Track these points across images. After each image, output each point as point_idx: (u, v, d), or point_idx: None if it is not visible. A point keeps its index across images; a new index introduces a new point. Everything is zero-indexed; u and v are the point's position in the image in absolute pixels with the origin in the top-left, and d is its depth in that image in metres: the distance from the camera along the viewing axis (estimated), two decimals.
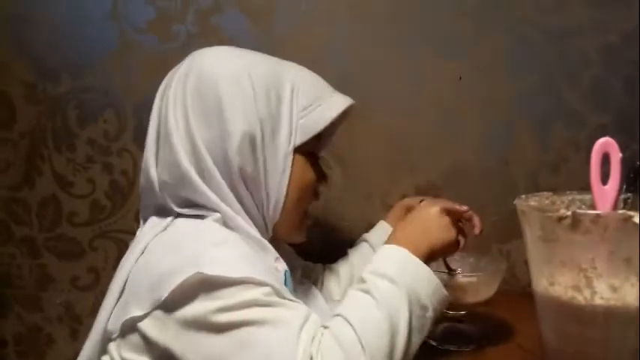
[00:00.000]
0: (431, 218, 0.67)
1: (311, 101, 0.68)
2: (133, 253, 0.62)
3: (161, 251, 0.60)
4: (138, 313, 0.55)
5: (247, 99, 0.63)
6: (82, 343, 0.63)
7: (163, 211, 0.65)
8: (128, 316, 0.56)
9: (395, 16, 0.99)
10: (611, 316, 0.39)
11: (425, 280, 0.60)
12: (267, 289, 0.55)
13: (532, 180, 1.01)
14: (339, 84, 0.97)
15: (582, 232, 0.38)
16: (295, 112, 0.66)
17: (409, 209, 0.80)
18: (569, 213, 0.38)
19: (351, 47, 0.99)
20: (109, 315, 0.60)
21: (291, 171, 0.66)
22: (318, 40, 0.99)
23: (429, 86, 1.00)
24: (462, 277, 0.73)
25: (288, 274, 0.65)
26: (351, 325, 0.55)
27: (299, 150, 0.67)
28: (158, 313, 0.55)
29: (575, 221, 0.38)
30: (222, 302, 0.53)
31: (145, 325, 0.55)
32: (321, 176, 0.73)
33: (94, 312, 0.63)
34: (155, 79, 0.70)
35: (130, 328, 0.57)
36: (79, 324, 1.06)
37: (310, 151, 0.70)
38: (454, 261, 0.78)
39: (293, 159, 0.66)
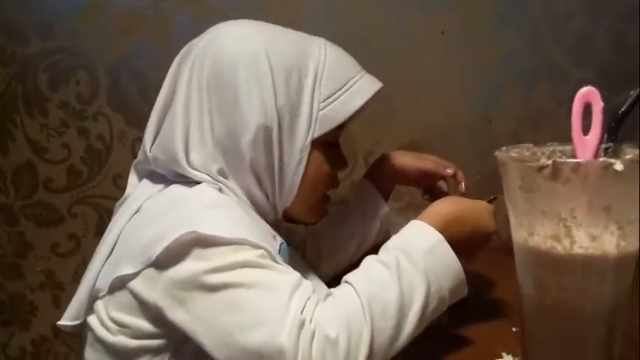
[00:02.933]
0: (485, 239, 0.63)
1: (335, 89, 0.62)
2: (126, 212, 0.60)
3: (155, 211, 0.58)
4: (129, 271, 0.54)
5: (266, 87, 0.59)
6: (65, 309, 0.62)
7: (158, 176, 0.63)
8: (118, 274, 0.55)
9: None
10: (589, 264, 0.39)
11: (451, 273, 0.56)
12: (260, 252, 0.53)
13: (514, 137, 1.01)
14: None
15: (562, 181, 0.38)
16: (316, 101, 0.61)
17: (388, 165, 0.78)
18: (549, 162, 0.38)
19: (330, 7, 0.96)
20: (97, 273, 0.59)
21: (307, 163, 0.62)
22: (297, 5, 0.96)
23: (411, 42, 0.98)
24: None
25: (284, 246, 0.63)
26: (358, 296, 0.52)
27: (317, 141, 0.62)
28: (149, 271, 0.53)
29: (556, 170, 0.38)
30: (214, 262, 0.52)
31: (136, 284, 0.54)
32: (341, 164, 0.69)
33: (76, 279, 0.63)
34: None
35: (119, 286, 0.56)
36: (61, 291, 1.06)
37: (330, 140, 0.65)
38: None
39: (310, 151, 0.62)
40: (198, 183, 0.60)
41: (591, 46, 0.98)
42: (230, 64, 0.60)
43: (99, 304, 0.58)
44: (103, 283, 0.57)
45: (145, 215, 0.59)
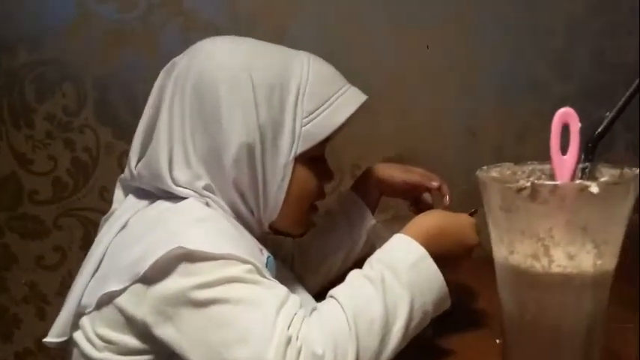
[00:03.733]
0: (467, 252, 0.63)
1: (317, 105, 0.62)
2: (113, 227, 0.60)
3: (142, 226, 0.58)
4: (116, 287, 0.54)
5: (247, 105, 0.59)
6: (50, 322, 0.62)
7: (144, 193, 0.63)
8: (106, 291, 0.55)
9: None
10: (567, 282, 0.40)
11: (434, 287, 0.57)
12: (248, 267, 0.53)
13: (499, 150, 1.02)
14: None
15: (541, 202, 0.39)
16: (299, 118, 0.61)
17: (374, 177, 0.79)
18: (528, 184, 0.39)
19: (316, 21, 0.97)
20: (83, 289, 0.59)
21: (292, 178, 0.62)
22: (288, 9, 0.97)
23: (397, 56, 0.99)
24: None
25: (270, 259, 0.63)
26: (343, 311, 0.52)
27: (301, 156, 0.62)
28: (137, 287, 0.53)
29: (534, 192, 0.39)
30: (201, 278, 0.52)
31: (123, 300, 0.54)
32: (327, 177, 0.69)
33: (61, 291, 0.63)
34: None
35: (106, 302, 0.55)
36: (45, 303, 1.05)
37: (315, 155, 0.65)
38: None
39: (295, 166, 0.62)
40: (184, 198, 0.60)
41: (573, 61, 1.00)
42: (212, 83, 0.60)
43: (85, 320, 0.57)
44: (90, 299, 0.57)
45: (132, 231, 0.59)
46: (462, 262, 0.65)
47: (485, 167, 0.45)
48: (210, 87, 0.60)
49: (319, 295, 0.63)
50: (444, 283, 0.57)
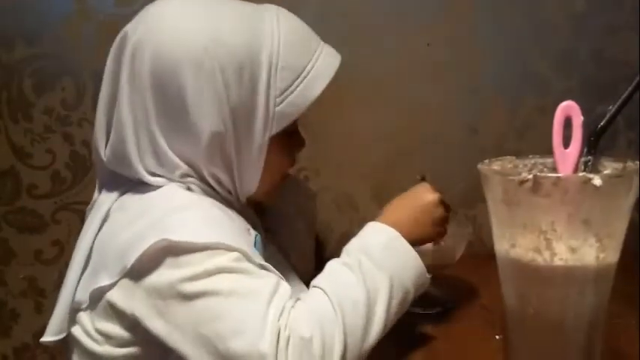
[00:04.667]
0: (429, 209, 0.65)
1: (291, 80, 0.58)
2: (95, 219, 0.60)
3: (125, 217, 0.57)
4: (106, 282, 0.54)
5: (215, 89, 0.55)
6: (48, 317, 0.62)
7: (120, 178, 0.61)
8: (97, 285, 0.55)
9: None
10: (569, 276, 0.40)
11: (410, 264, 0.59)
12: (236, 255, 0.53)
13: (500, 147, 1.02)
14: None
15: (543, 194, 0.39)
16: (272, 98, 0.57)
17: None
18: (530, 176, 0.39)
19: (318, 18, 0.96)
20: (75, 285, 0.58)
21: (267, 155, 0.60)
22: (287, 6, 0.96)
23: (397, 53, 0.99)
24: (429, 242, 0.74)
25: (258, 237, 0.62)
26: (328, 297, 0.54)
27: (277, 134, 0.60)
28: (125, 281, 0.53)
29: (536, 184, 0.39)
30: (188, 270, 0.51)
31: (113, 294, 0.54)
32: (299, 144, 0.68)
33: (59, 285, 0.62)
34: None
35: (99, 297, 0.55)
36: (43, 297, 1.04)
37: (288, 129, 0.62)
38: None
39: (269, 145, 0.60)
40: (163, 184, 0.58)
41: (574, 58, 1.00)
42: (173, 66, 0.55)
43: (82, 316, 0.57)
44: (83, 295, 0.57)
45: (115, 222, 0.58)
46: (432, 220, 0.65)
47: (486, 160, 0.45)
48: (171, 69, 0.55)
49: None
50: (419, 259, 0.60)
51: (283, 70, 0.58)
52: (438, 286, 0.80)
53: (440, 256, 0.74)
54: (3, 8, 0.97)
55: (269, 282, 0.53)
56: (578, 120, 0.42)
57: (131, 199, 0.59)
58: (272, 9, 0.61)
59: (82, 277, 0.58)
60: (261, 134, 0.59)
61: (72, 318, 0.59)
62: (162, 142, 0.58)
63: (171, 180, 0.59)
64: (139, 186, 0.60)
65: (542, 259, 0.40)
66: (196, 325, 0.51)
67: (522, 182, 0.39)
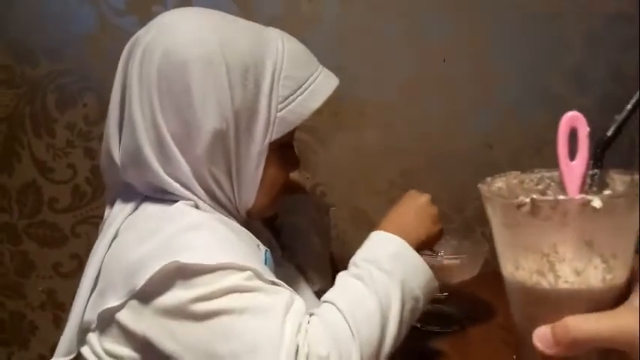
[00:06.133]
0: (422, 209, 0.65)
1: (293, 89, 0.60)
2: (105, 238, 0.59)
3: (134, 237, 0.57)
4: (114, 303, 0.53)
5: (221, 88, 0.56)
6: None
7: (130, 192, 0.61)
8: (105, 307, 0.54)
9: (379, 1, 0.98)
10: (575, 298, 0.38)
11: (419, 271, 0.59)
12: (247, 274, 0.52)
13: (515, 162, 1.01)
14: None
15: (542, 218, 0.37)
16: (274, 103, 0.59)
17: None
18: (527, 200, 0.37)
19: (334, 33, 0.98)
20: (84, 304, 0.58)
21: (265, 166, 0.61)
22: (303, 25, 0.97)
23: (413, 70, 0.99)
24: (445, 260, 0.74)
25: (268, 253, 0.62)
26: (341, 312, 0.54)
27: (274, 143, 0.61)
28: (134, 302, 0.53)
29: (535, 207, 0.37)
30: (200, 291, 0.51)
31: (122, 316, 0.53)
32: (294, 164, 0.68)
33: None
34: None
35: (108, 318, 0.55)
36: (62, 311, 1.06)
37: (285, 141, 0.64)
38: (438, 244, 0.79)
39: (267, 156, 0.61)
40: (171, 198, 0.58)
41: (590, 74, 1.00)
42: (182, 64, 0.56)
43: (91, 337, 0.57)
44: (92, 316, 0.56)
45: (124, 241, 0.58)
46: (436, 232, 0.66)
47: (489, 179, 0.44)
48: (180, 69, 0.56)
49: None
50: (426, 265, 0.60)
51: (286, 78, 0.60)
52: (454, 305, 0.80)
53: (457, 274, 0.74)
54: (27, 25, 0.99)
55: (282, 298, 0.53)
56: (583, 131, 0.41)
57: (140, 218, 0.59)
58: (276, 30, 0.64)
59: (91, 297, 0.58)
60: (261, 138, 0.60)
61: (81, 338, 0.58)
62: (168, 139, 0.57)
63: (182, 185, 0.58)
64: (148, 203, 0.60)
65: (546, 282, 0.38)
66: (210, 344, 0.50)
67: (520, 206, 0.37)
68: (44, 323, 1.07)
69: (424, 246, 0.64)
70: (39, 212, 1.04)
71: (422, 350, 0.72)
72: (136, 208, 0.60)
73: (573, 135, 0.42)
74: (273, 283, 0.55)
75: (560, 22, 0.99)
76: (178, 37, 0.58)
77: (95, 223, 1.03)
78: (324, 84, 0.63)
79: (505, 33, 0.99)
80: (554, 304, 0.39)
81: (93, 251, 0.61)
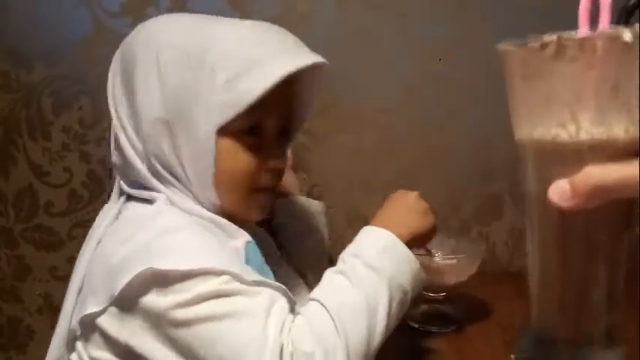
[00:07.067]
0: (412, 204, 0.65)
1: (238, 70, 0.54)
2: (90, 242, 0.59)
3: (114, 241, 0.56)
4: (94, 309, 0.52)
5: (160, 75, 0.55)
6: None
7: (116, 191, 0.63)
8: (85, 312, 0.53)
9: (375, 2, 0.98)
10: (596, 150, 0.36)
11: (407, 264, 0.58)
12: (225, 278, 0.51)
13: (512, 162, 1.01)
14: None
15: (567, 60, 0.35)
16: (216, 86, 0.54)
17: None
18: (553, 38, 0.35)
19: (333, 32, 0.98)
20: (72, 310, 0.57)
21: (220, 154, 0.56)
22: (298, 25, 0.98)
23: (409, 70, 0.99)
24: (442, 260, 0.74)
25: (252, 245, 0.59)
26: (325, 309, 0.53)
27: (226, 130, 0.56)
28: (114, 309, 0.52)
29: (560, 48, 0.35)
30: (178, 297, 0.49)
31: (104, 322, 0.52)
32: (268, 154, 0.61)
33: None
34: None
35: (90, 324, 0.53)
36: (59, 315, 1.05)
37: (246, 128, 0.58)
38: (435, 243, 0.79)
39: (220, 142, 0.56)
40: (149, 195, 0.58)
41: None
42: (130, 54, 0.58)
43: (78, 344, 0.56)
44: (76, 322, 0.55)
45: (105, 246, 0.57)
46: (428, 227, 0.65)
47: (504, 42, 0.42)
48: (129, 59, 0.58)
49: None
50: (414, 257, 0.59)
51: (232, 60, 0.55)
52: (452, 304, 0.80)
53: (454, 274, 0.74)
54: (22, 30, 0.99)
55: (264, 298, 0.52)
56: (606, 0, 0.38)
57: (121, 222, 0.59)
58: (240, 22, 0.60)
59: (77, 303, 0.57)
60: (204, 124, 0.55)
61: (70, 345, 0.57)
62: (128, 127, 0.59)
63: (158, 180, 0.58)
64: (130, 205, 0.60)
65: (566, 133, 0.36)
66: (194, 351, 0.49)
67: (544, 46, 0.36)
68: (41, 327, 1.06)
69: (418, 240, 0.63)
70: (35, 216, 1.03)
71: (420, 350, 0.72)
72: (119, 212, 0.60)
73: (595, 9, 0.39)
74: (256, 283, 0.53)
75: (556, 21, 0.98)
76: (133, 34, 0.60)
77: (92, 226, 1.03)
78: (280, 63, 0.55)
79: (504, 33, 0.99)
80: (573, 157, 0.37)
81: (79, 256, 0.61)
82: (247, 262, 0.58)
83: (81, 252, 0.61)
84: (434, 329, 0.76)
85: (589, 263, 0.38)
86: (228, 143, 0.57)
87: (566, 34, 0.36)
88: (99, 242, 0.58)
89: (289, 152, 0.88)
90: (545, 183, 0.38)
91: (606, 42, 0.35)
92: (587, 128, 0.36)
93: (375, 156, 1.01)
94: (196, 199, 0.58)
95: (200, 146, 0.56)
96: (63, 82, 1.00)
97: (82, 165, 1.02)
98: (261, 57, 0.55)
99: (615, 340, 0.40)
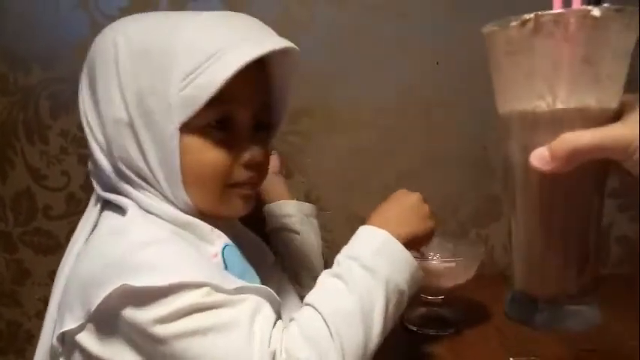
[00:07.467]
0: (412, 206, 0.64)
1: (197, 64, 0.52)
2: (69, 258, 0.58)
3: (89, 256, 0.54)
4: (71, 325, 0.51)
5: (119, 76, 0.54)
6: None
7: (95, 197, 0.62)
8: (63, 329, 0.52)
9: (374, 2, 0.98)
10: (571, 118, 0.40)
11: (403, 264, 0.57)
12: (205, 290, 0.49)
13: None
14: (318, 71, 0.97)
15: (544, 35, 0.39)
16: (175, 83, 0.52)
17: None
18: (531, 15, 0.40)
19: (330, 35, 0.98)
20: (54, 326, 0.56)
21: (185, 151, 0.54)
22: (296, 27, 0.97)
23: (407, 72, 0.99)
24: (441, 262, 0.74)
25: (231, 249, 0.58)
26: (319, 313, 0.52)
27: (190, 126, 0.54)
28: (92, 326, 0.51)
29: (538, 24, 0.39)
30: (157, 313, 0.48)
31: (83, 339, 0.51)
32: (240, 148, 0.58)
33: None
34: None
35: (70, 342, 0.52)
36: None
37: (212, 122, 0.56)
38: (433, 246, 0.79)
39: (184, 138, 0.54)
40: (121, 202, 0.57)
41: None
42: (93, 56, 0.58)
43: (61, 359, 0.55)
44: (55, 338, 0.54)
45: (81, 260, 0.55)
46: (427, 230, 0.64)
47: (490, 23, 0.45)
48: (92, 61, 0.58)
49: None
50: (412, 258, 0.58)
51: (193, 53, 0.52)
52: (450, 307, 0.80)
53: (453, 277, 0.74)
54: (20, 33, 0.99)
55: (248, 306, 0.51)
56: None
57: (96, 236, 0.57)
58: (206, 14, 0.57)
59: (57, 319, 0.55)
60: (166, 121, 0.53)
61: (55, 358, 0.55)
62: (95, 130, 0.58)
63: (131, 186, 0.57)
64: (105, 214, 0.59)
65: (545, 104, 0.40)
66: None
67: (524, 23, 0.40)
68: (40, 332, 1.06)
69: (415, 243, 0.62)
70: (34, 220, 1.03)
71: (418, 354, 0.71)
72: (95, 222, 0.59)
73: None
74: (237, 290, 0.52)
75: None
76: (102, 32, 0.59)
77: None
78: (242, 52, 0.52)
79: None
80: (552, 127, 0.40)
81: (59, 270, 0.59)
82: (227, 267, 0.56)
83: (60, 265, 0.60)
84: (432, 332, 0.76)
85: (566, 222, 0.43)
86: (194, 140, 0.55)
87: (544, 12, 0.40)
88: (78, 255, 0.57)
89: (277, 158, 0.88)
90: (527, 152, 0.41)
91: (578, 17, 0.39)
92: (562, 99, 0.40)
93: (373, 159, 1.01)
94: (169, 200, 0.56)
95: (165, 146, 0.54)
96: (60, 85, 1.00)
97: (80, 168, 1.02)
98: (220, 48, 0.52)
99: (591, 296, 0.44)
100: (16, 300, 1.06)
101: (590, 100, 0.39)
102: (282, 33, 0.63)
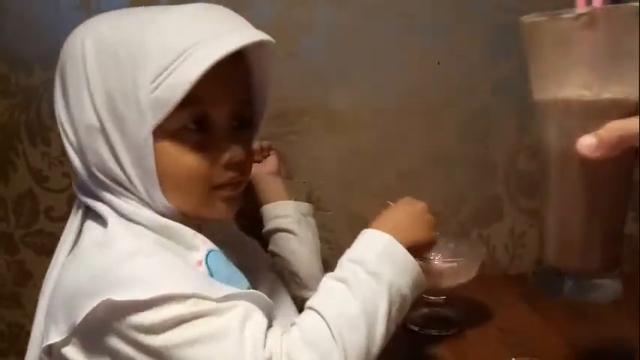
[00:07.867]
0: (418, 214, 0.63)
1: (168, 62, 0.49)
2: (53, 272, 0.57)
3: (73, 269, 0.53)
4: (57, 338, 0.50)
5: (88, 80, 0.52)
6: None
7: (77, 203, 0.60)
8: (48, 342, 0.50)
9: (374, 2, 0.98)
10: (615, 108, 0.42)
11: (406, 268, 0.57)
12: (191, 301, 0.48)
13: (512, 162, 1.01)
14: (318, 71, 0.97)
15: (595, 29, 0.41)
16: (145, 85, 0.50)
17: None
18: (586, 9, 0.42)
19: (330, 35, 0.98)
20: (41, 338, 0.54)
21: (160, 155, 0.52)
22: (296, 29, 0.97)
23: (407, 72, 0.99)
24: (442, 263, 0.74)
25: (215, 254, 0.56)
26: (322, 317, 0.52)
27: (164, 129, 0.52)
28: (77, 340, 0.50)
29: (592, 18, 0.41)
30: (144, 326, 0.47)
31: (70, 353, 0.50)
32: (217, 149, 0.55)
33: None
34: None
35: (57, 356, 0.51)
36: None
37: (187, 124, 0.54)
38: (434, 246, 0.78)
39: (158, 142, 0.52)
40: (100, 208, 0.55)
41: None
42: (63, 57, 0.56)
43: None
44: (42, 350, 0.53)
45: (65, 275, 0.54)
46: (429, 240, 0.64)
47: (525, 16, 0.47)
48: (63, 63, 0.56)
49: None
50: (415, 262, 0.58)
51: (164, 52, 0.50)
52: (452, 308, 0.80)
53: (454, 277, 0.74)
54: (20, 34, 0.99)
55: (237, 313, 0.50)
56: None
57: (80, 248, 0.56)
58: (178, 8, 0.54)
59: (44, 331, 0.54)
60: (138, 126, 0.51)
61: None
62: (70, 135, 0.56)
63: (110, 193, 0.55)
64: (87, 224, 0.58)
65: (590, 93, 0.42)
66: None
67: (579, 17, 0.41)
68: None
69: (416, 249, 0.61)
70: (36, 221, 1.03)
71: (420, 354, 0.72)
72: (79, 232, 0.58)
73: None
74: (225, 297, 0.50)
75: None
76: (71, 33, 0.57)
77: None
78: (212, 48, 0.49)
79: (503, 35, 0.99)
80: (594, 114, 0.42)
81: (45, 281, 0.59)
82: (212, 274, 0.55)
83: (46, 277, 0.59)
84: (434, 332, 0.76)
85: (600, 203, 0.45)
86: (169, 144, 0.53)
87: (599, 6, 0.42)
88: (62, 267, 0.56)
89: (275, 158, 0.88)
90: (568, 137, 0.43)
91: (629, 13, 0.41)
92: (609, 89, 0.42)
93: (373, 157, 1.01)
94: (148, 204, 0.55)
95: (139, 151, 0.52)
96: None
97: None
98: (189, 46, 0.50)
99: (614, 270, 0.47)
100: (17, 301, 1.06)
101: (635, 90, 0.41)
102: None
